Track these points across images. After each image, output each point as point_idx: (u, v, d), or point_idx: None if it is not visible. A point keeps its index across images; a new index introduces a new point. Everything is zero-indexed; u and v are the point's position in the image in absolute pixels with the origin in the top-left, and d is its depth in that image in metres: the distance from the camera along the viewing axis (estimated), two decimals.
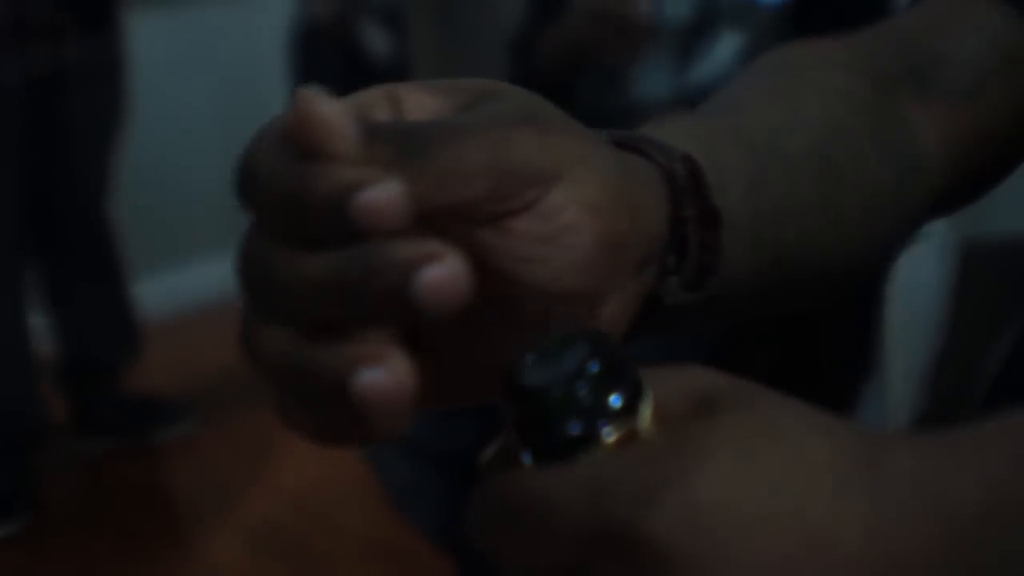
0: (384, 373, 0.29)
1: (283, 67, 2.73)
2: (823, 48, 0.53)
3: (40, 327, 2.54)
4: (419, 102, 0.34)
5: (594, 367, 0.29)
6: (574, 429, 0.29)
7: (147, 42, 3.17)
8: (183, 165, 3.36)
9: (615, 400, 0.29)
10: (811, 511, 0.27)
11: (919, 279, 1.71)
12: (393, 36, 2.51)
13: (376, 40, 2.51)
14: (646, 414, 0.29)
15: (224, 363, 2.93)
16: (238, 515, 2.27)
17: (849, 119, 0.47)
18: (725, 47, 1.54)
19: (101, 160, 2.49)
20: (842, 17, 1.58)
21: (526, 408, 0.30)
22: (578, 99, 1.63)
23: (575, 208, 0.33)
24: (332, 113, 0.30)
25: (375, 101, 0.33)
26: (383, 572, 2.05)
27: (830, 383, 1.54)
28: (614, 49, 1.53)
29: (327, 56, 2.55)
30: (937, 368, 1.69)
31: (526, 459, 0.30)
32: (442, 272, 0.29)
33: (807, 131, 0.45)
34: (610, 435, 0.29)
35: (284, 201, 0.30)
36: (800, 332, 1.47)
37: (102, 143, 2.49)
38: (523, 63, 1.73)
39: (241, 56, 3.42)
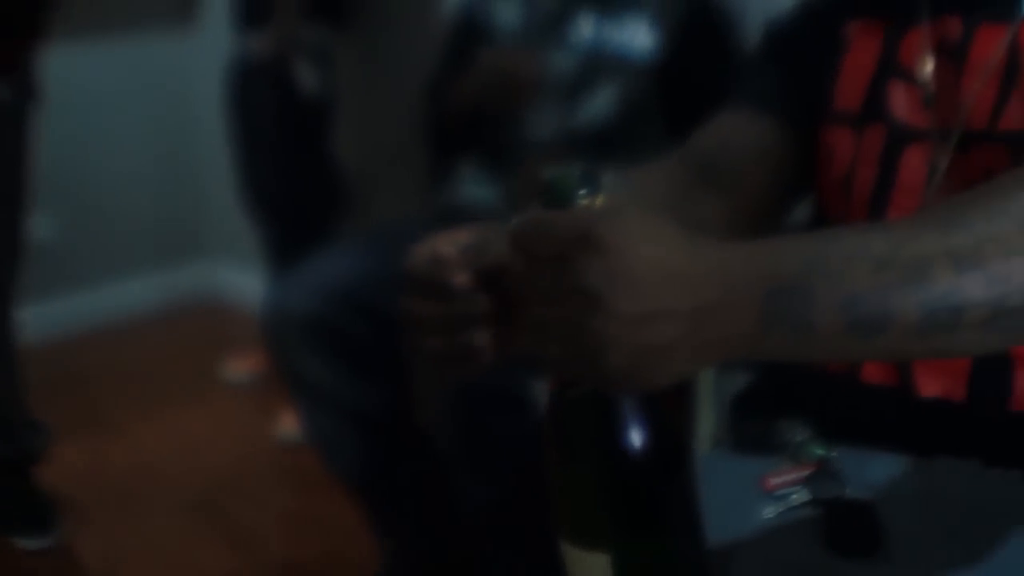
0: (484, 334, 0.71)
1: (218, 98, 2.88)
2: (655, 170, 0.99)
3: None
4: (463, 234, 0.75)
5: (578, 173, 0.62)
6: (567, 196, 0.62)
7: (85, 72, 3.33)
8: (120, 189, 3.55)
9: (587, 189, 0.62)
10: (667, 248, 0.59)
11: None
12: (324, 74, 2.68)
13: (308, 78, 2.65)
14: (600, 199, 0.62)
15: (158, 366, 3.19)
16: (169, 489, 2.50)
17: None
18: (603, 98, 1.80)
19: None
20: (698, 73, 1.85)
21: (546, 187, 0.63)
22: (481, 138, 1.91)
23: None
24: (445, 249, 0.72)
25: (451, 239, 0.74)
26: (303, 534, 2.32)
27: None
28: (505, 99, 1.83)
29: (263, 92, 2.69)
30: None
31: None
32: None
33: None
34: (582, 201, 0.62)
35: (430, 281, 0.72)
36: None
37: None
38: (436, 106, 2.01)
39: (178, 87, 3.60)
